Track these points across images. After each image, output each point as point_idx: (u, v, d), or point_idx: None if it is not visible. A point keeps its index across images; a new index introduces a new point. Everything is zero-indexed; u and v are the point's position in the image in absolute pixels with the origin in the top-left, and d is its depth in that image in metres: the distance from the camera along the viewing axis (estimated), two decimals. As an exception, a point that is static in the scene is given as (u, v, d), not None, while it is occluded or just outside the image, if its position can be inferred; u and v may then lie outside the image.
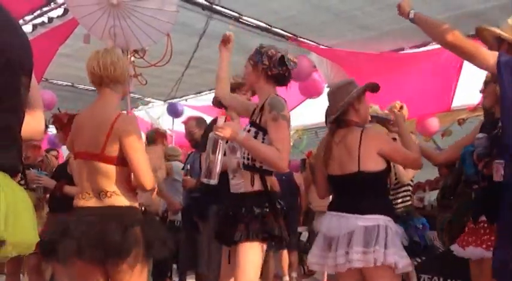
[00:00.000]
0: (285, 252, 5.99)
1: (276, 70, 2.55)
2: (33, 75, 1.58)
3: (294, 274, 6.12)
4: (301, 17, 4.70)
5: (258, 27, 4.78)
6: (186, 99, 7.50)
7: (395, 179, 3.54)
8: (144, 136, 4.89)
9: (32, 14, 4.33)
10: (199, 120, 4.27)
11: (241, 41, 5.18)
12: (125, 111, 6.95)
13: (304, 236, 7.11)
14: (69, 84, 6.75)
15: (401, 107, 3.59)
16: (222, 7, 4.39)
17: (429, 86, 5.27)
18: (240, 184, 2.47)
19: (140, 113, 7.66)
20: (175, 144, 6.98)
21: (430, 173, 5.73)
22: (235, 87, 3.30)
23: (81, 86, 6.66)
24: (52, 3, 4.20)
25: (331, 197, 2.74)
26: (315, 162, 2.69)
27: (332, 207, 2.56)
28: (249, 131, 2.48)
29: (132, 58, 3.28)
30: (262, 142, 2.43)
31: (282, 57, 2.55)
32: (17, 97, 1.47)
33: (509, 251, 1.98)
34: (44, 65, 4.58)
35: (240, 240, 2.37)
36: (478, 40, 2.38)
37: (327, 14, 4.57)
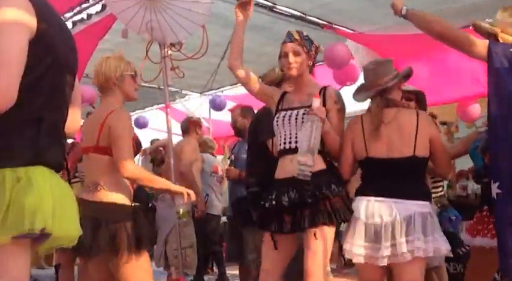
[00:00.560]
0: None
1: (315, 61, 2.60)
2: (76, 74, 1.63)
3: (334, 265, 5.97)
4: (336, 4, 4.64)
5: (292, 15, 4.74)
6: (222, 91, 7.54)
7: None
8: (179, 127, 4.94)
9: (72, 11, 4.44)
10: (244, 109, 4.22)
11: (275, 30, 5.18)
12: (162, 105, 7.06)
13: (343, 226, 7.05)
14: (108, 79, 6.89)
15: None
16: (256, -3, 4.37)
17: (470, 69, 5.10)
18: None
19: (177, 105, 7.75)
20: (212, 135, 7.01)
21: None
22: (281, 80, 3.27)
23: (120, 81, 6.79)
24: (90, 0, 4.29)
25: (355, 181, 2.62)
26: (341, 141, 2.54)
27: (372, 192, 2.39)
28: (304, 114, 2.45)
29: (169, 51, 3.31)
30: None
31: (317, 47, 2.59)
32: (63, 96, 1.52)
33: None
34: (84, 61, 4.69)
35: (318, 222, 2.31)
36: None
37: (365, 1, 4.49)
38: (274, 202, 2.40)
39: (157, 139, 6.00)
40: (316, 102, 2.33)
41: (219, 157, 6.56)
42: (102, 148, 2.49)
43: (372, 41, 5.19)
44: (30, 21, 1.34)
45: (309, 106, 2.40)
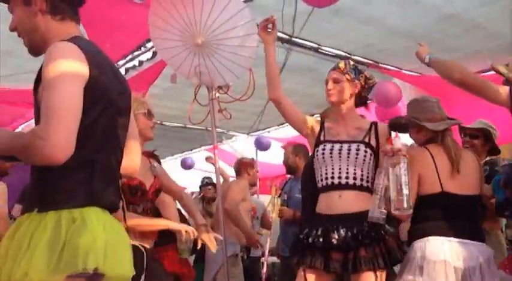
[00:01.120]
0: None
1: (365, 93, 2.53)
2: (131, 116, 1.69)
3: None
4: (381, 44, 4.65)
5: (337, 56, 4.78)
6: (268, 131, 7.60)
7: None
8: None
9: (124, 58, 4.65)
10: (296, 147, 4.22)
11: (320, 71, 5.22)
12: (210, 146, 7.16)
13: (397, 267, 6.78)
14: (158, 122, 7.07)
15: None
16: (301, 39, 4.45)
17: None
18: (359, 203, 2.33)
19: (224, 146, 7.85)
20: (259, 175, 7.02)
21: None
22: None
23: (169, 124, 6.94)
24: (142, 48, 4.49)
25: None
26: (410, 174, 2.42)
27: (451, 231, 2.26)
28: (358, 149, 2.39)
29: (217, 94, 3.40)
30: (373, 165, 2.40)
31: (375, 84, 2.54)
32: (115, 138, 1.57)
33: None
34: (135, 106, 4.87)
35: (377, 266, 2.21)
36: None
37: (407, 39, 4.48)
38: (321, 239, 2.31)
39: (209, 178, 6.07)
40: (399, 143, 2.25)
41: (265, 197, 6.54)
42: None
43: (419, 80, 5.14)
44: (83, 69, 1.40)
45: (361, 141, 2.40)
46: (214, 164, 3.50)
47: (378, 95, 5.02)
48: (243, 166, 4.81)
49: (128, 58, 4.64)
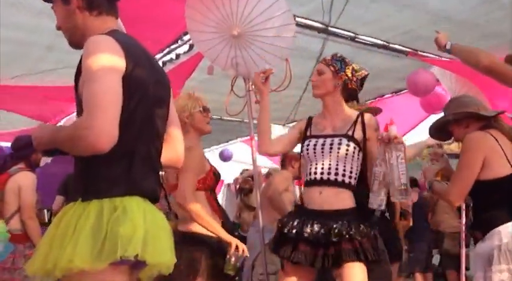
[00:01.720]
0: (420, 275, 5.67)
1: (355, 85, 2.46)
2: (172, 107, 1.71)
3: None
4: (421, 31, 4.53)
5: (374, 44, 4.69)
6: (304, 122, 7.55)
7: None
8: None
9: (161, 52, 4.72)
10: None
11: (356, 61, 5.13)
12: (246, 137, 7.17)
13: (436, 259, 6.67)
14: (195, 114, 7.18)
15: None
16: (337, 28, 4.39)
17: None
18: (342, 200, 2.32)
19: (261, 138, 7.86)
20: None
21: None
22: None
23: (206, 116, 7.03)
24: (179, 41, 4.53)
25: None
26: (473, 159, 2.31)
27: None
28: (340, 144, 2.35)
29: (253, 85, 3.39)
30: (358, 158, 2.35)
31: (366, 76, 2.47)
32: (154, 128, 1.60)
33: None
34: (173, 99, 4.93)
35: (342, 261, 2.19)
36: None
37: (448, 24, 4.35)
38: (294, 230, 2.31)
39: (247, 170, 6.13)
40: (395, 129, 2.19)
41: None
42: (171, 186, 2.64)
43: (459, 68, 4.99)
44: (120, 62, 1.44)
45: (344, 135, 2.35)
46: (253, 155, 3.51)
47: (410, 86, 4.91)
48: (288, 159, 4.86)
49: (165, 52, 4.70)
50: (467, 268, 4.92)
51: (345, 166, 2.35)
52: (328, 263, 2.21)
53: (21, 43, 4.13)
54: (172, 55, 4.76)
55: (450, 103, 2.62)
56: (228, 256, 2.57)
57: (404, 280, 5.39)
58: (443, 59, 5.09)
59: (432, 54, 5.03)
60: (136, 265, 1.44)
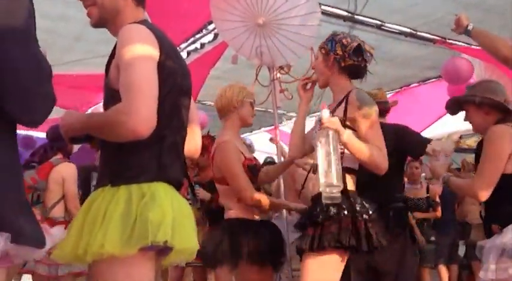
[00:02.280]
0: (443, 267, 5.61)
1: (351, 61, 2.25)
2: (191, 97, 1.73)
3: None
4: (449, 18, 4.42)
5: (402, 33, 4.62)
6: (329, 112, 7.48)
7: None
8: None
9: (186, 41, 4.73)
10: None
11: (383, 49, 5.07)
12: (269, 127, 7.14)
13: (461, 251, 6.59)
14: (219, 104, 7.18)
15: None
16: (364, 16, 4.33)
17: None
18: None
19: (284, 127, 7.84)
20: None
21: None
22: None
23: (230, 106, 7.03)
24: (204, 30, 4.54)
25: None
26: (501, 151, 2.24)
27: None
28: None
29: (278, 74, 3.39)
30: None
31: (359, 46, 2.25)
32: (181, 117, 1.62)
33: None
34: (197, 88, 4.96)
35: (306, 249, 2.06)
36: None
37: (476, 11, 4.24)
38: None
39: (271, 157, 6.12)
40: (325, 114, 2.02)
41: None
42: (219, 179, 2.73)
43: (487, 55, 4.87)
44: (155, 51, 1.46)
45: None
46: (276, 145, 3.51)
47: (447, 72, 4.82)
48: None
49: (189, 41, 4.71)
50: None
51: None
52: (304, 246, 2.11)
53: (48, 33, 4.20)
54: (197, 44, 4.77)
55: (478, 85, 2.53)
56: None
57: (429, 272, 5.32)
58: (472, 47, 4.98)
59: (461, 42, 4.92)
60: (163, 251, 1.46)
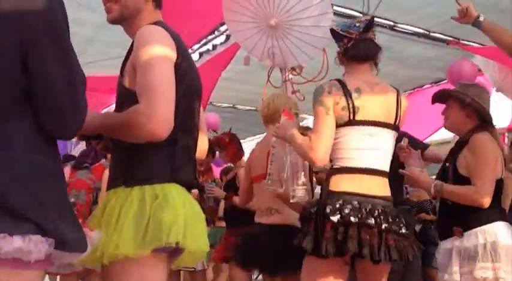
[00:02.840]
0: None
1: (354, 51, 2.17)
2: (201, 100, 1.73)
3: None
4: (462, 19, 4.39)
5: (414, 33, 4.58)
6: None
7: None
8: None
9: (198, 43, 4.74)
10: None
11: (395, 50, 5.04)
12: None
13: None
14: (230, 105, 7.19)
15: None
16: (376, 17, 4.30)
17: None
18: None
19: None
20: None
21: None
22: None
23: (241, 107, 7.03)
24: (216, 32, 4.55)
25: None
26: (494, 157, 2.26)
27: (503, 217, 2.28)
28: None
29: (290, 75, 3.38)
30: None
31: (332, 31, 2.20)
32: (193, 119, 1.62)
33: None
34: (208, 90, 4.96)
35: None
36: None
37: (492, 12, 4.19)
38: None
39: None
40: (282, 119, 2.11)
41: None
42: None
43: (503, 56, 4.81)
44: (172, 52, 1.46)
45: None
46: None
47: (451, 76, 4.77)
48: None
49: (201, 42, 4.73)
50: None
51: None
52: None
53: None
54: (209, 46, 4.78)
55: (471, 87, 2.52)
56: None
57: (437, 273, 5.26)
58: (486, 46, 4.93)
59: (475, 42, 4.88)
60: (174, 252, 1.46)
